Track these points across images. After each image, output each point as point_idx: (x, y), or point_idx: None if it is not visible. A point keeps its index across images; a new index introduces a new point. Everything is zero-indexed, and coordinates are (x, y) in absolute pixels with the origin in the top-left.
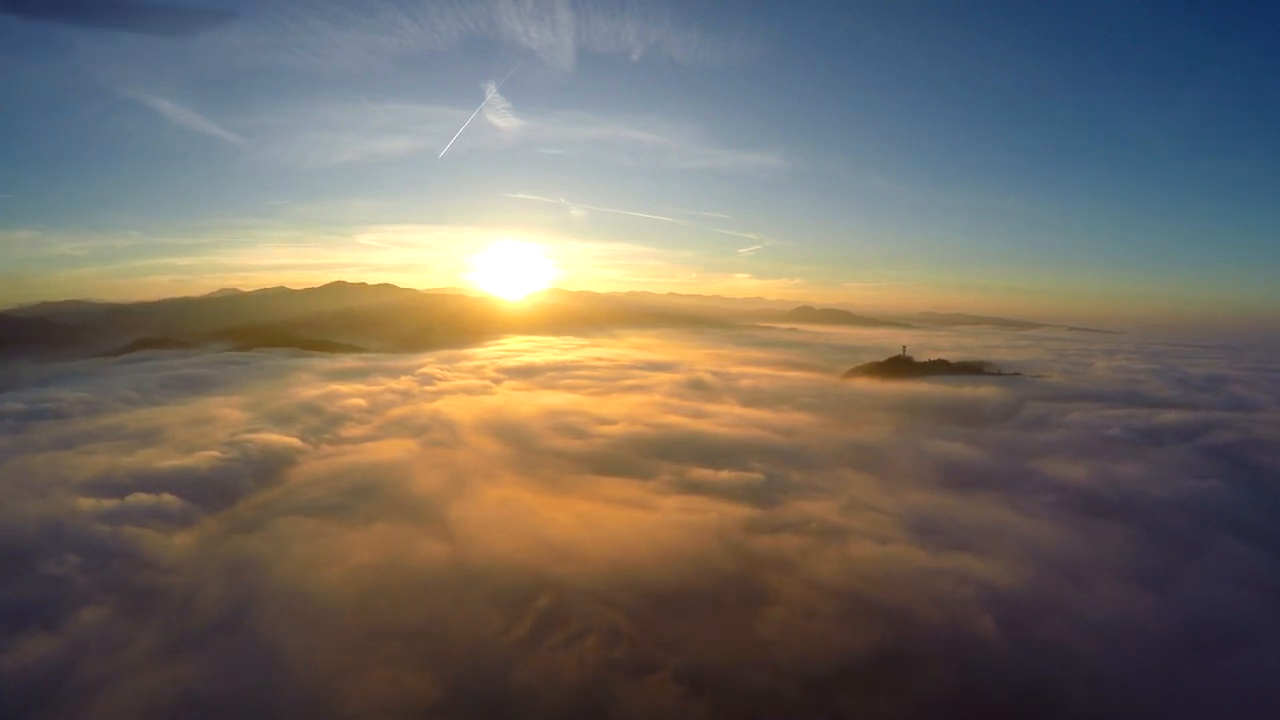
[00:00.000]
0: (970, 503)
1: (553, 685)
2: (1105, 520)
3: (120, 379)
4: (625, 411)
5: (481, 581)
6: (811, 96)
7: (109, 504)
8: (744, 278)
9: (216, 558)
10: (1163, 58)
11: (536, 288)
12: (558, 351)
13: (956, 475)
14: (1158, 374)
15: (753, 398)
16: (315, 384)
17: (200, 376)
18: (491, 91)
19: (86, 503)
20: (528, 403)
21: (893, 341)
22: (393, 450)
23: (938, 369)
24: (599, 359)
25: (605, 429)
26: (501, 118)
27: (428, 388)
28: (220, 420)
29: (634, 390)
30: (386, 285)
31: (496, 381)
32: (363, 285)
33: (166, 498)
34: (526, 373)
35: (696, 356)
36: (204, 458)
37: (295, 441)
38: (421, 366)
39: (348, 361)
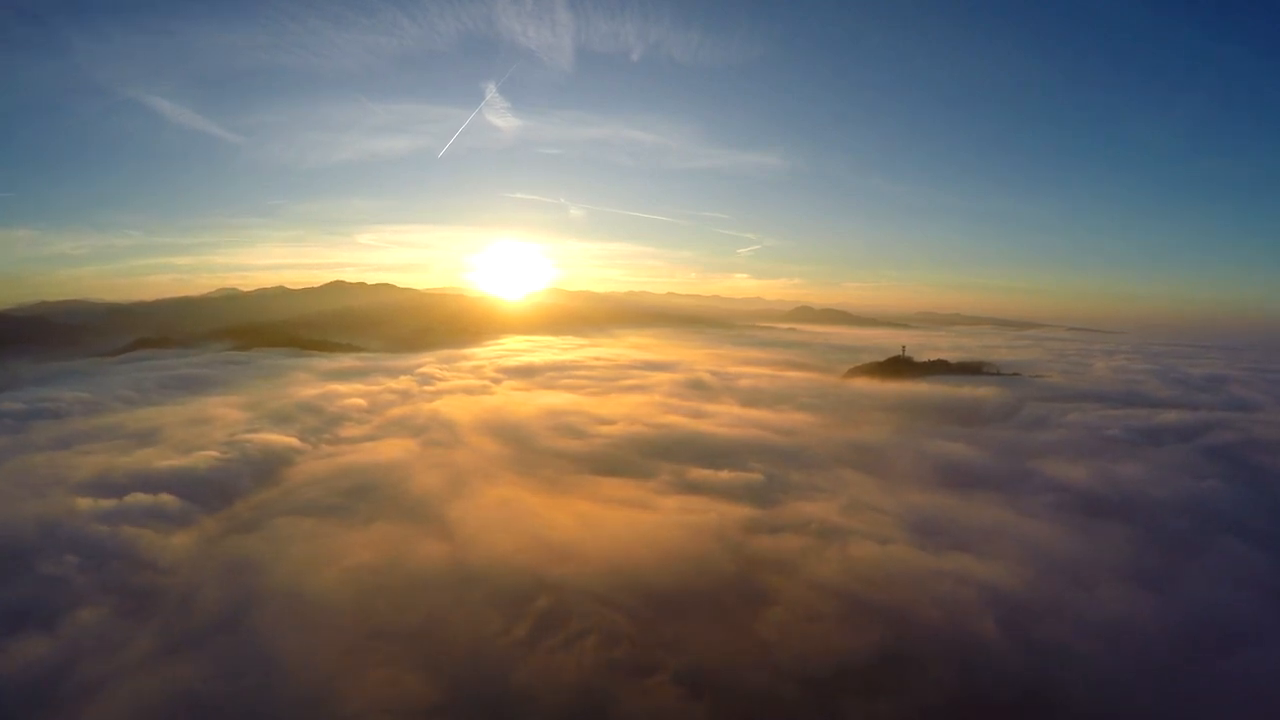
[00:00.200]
0: (970, 503)
1: (552, 686)
2: (1105, 520)
3: (119, 379)
4: (624, 411)
5: (481, 582)
6: (811, 96)
7: (107, 504)
8: (743, 278)
9: (215, 558)
10: (1163, 58)
11: (536, 287)
12: (557, 351)
13: (956, 475)
14: (1157, 374)
15: (752, 398)
16: (314, 384)
17: (199, 376)
18: (491, 91)
19: (85, 503)
20: (527, 403)
21: (892, 341)
22: (392, 450)
23: (937, 369)
24: (598, 359)
25: (604, 429)
26: (501, 117)
27: (427, 387)
28: (219, 420)
29: (633, 390)
30: (385, 285)
31: (496, 381)
32: (362, 285)
33: (165, 498)
34: (526, 373)
35: (696, 356)
36: (202, 458)
37: (294, 441)
38: (420, 366)
39: (347, 361)
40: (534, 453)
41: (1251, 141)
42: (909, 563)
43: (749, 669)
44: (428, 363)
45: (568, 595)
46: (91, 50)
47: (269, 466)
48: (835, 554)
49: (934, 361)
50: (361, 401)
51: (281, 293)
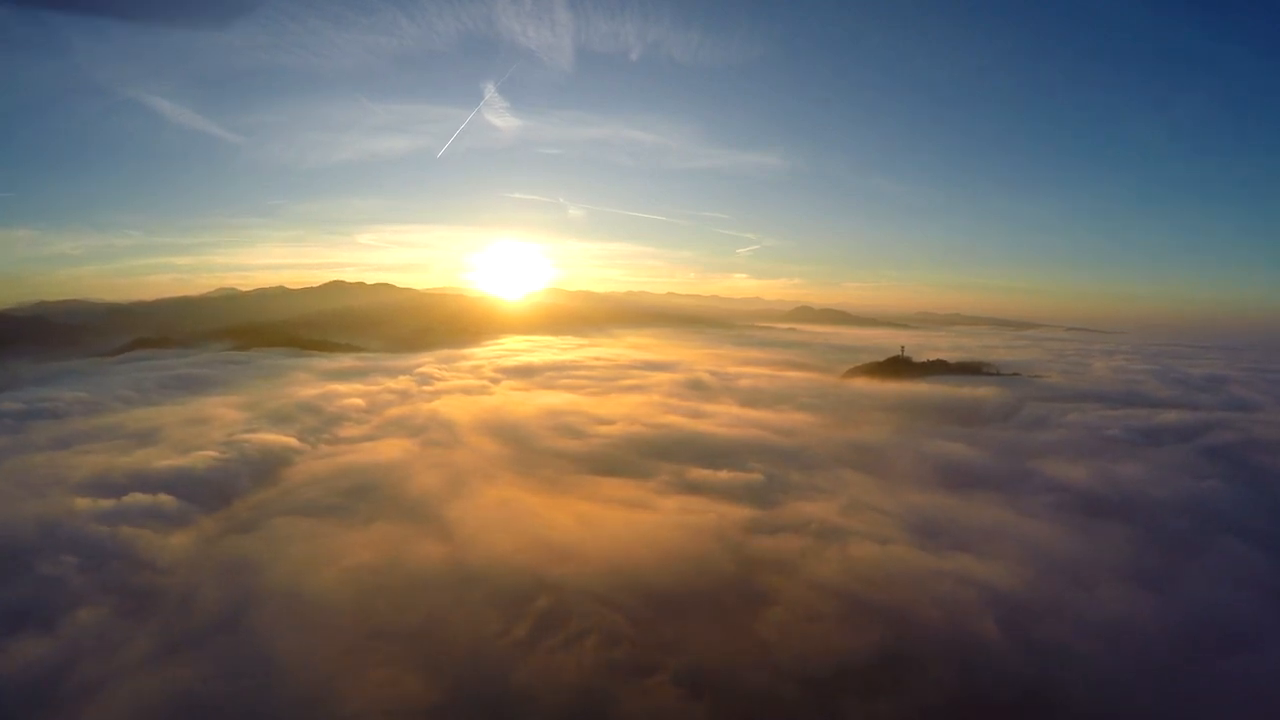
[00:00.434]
0: (970, 503)
1: (552, 686)
2: (1105, 520)
3: (118, 378)
4: (624, 411)
5: (480, 582)
6: (811, 96)
7: (106, 504)
8: (743, 278)
9: (213, 558)
10: (1163, 58)
11: (535, 287)
12: (556, 351)
13: (956, 475)
14: (1157, 374)
15: (752, 398)
16: (313, 384)
17: (198, 376)
18: (490, 91)
19: (83, 503)
20: (526, 403)
21: (891, 341)
22: (391, 450)
23: (937, 369)
24: (597, 359)
25: (604, 429)
26: (500, 117)
27: (426, 387)
28: (218, 420)
29: (633, 390)
30: (385, 285)
31: (495, 381)
32: (361, 285)
33: (164, 498)
34: (525, 372)
35: (695, 356)
36: (201, 458)
37: (293, 441)
38: (420, 366)
39: (346, 361)
40: (533, 453)
41: (1251, 141)
42: (909, 563)
43: (749, 669)
44: (427, 363)
45: (567, 595)
46: (91, 50)
47: (268, 466)
48: (835, 554)
49: (933, 361)
50: (360, 401)
51: (281, 293)
